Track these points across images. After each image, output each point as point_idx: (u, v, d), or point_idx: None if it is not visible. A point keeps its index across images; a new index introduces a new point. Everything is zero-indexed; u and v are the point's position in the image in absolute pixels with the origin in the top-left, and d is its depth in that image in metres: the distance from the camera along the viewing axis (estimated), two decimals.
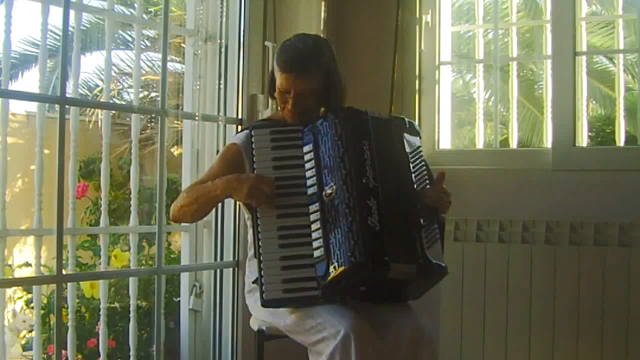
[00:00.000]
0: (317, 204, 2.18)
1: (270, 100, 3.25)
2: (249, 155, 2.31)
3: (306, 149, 2.26)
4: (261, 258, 2.15)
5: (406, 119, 2.49)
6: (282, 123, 2.42)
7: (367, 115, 2.33)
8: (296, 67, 2.34)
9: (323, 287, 2.11)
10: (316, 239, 2.15)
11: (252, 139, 2.28)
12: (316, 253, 2.14)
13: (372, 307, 2.25)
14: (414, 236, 2.23)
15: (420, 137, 2.47)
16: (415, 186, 2.33)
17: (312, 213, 2.18)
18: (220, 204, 3.21)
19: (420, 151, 2.42)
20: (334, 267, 2.09)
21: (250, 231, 2.43)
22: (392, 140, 2.36)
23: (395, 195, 2.25)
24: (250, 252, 2.45)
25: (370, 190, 2.17)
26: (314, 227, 2.16)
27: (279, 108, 2.46)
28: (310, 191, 2.20)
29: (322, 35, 3.67)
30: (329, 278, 2.10)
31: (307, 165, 2.24)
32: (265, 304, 2.14)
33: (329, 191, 2.17)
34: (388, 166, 2.26)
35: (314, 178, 2.21)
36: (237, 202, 3.16)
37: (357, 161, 2.20)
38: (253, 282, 2.35)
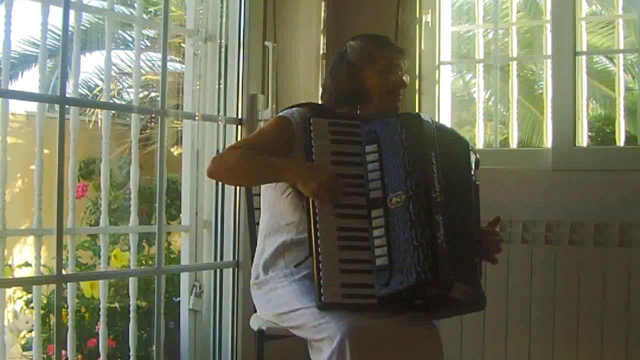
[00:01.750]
0: (380, 209, 2.06)
1: (270, 100, 3.25)
2: (300, 138, 2.20)
3: (369, 148, 2.13)
4: (320, 258, 2.03)
5: (469, 142, 2.37)
6: (333, 111, 2.32)
7: (433, 124, 2.22)
8: (395, 44, 2.41)
9: (383, 296, 2.01)
10: (379, 247, 2.04)
11: (311, 127, 2.14)
12: (378, 261, 2.03)
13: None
14: (472, 260, 2.17)
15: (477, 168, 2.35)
16: (474, 211, 2.24)
17: (375, 218, 2.06)
18: (220, 204, 3.22)
19: (478, 182, 2.30)
20: (399, 279, 1.99)
21: (266, 216, 2.36)
22: (457, 155, 2.25)
23: (458, 215, 2.13)
24: (262, 239, 2.37)
25: (438, 205, 2.06)
26: (376, 233, 2.05)
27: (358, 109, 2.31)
28: (373, 195, 2.08)
29: (322, 35, 3.68)
30: (393, 290, 2.00)
31: (370, 167, 2.11)
32: (323, 307, 2.03)
33: (397, 199, 2.04)
34: (452, 182, 2.15)
35: (378, 182, 2.09)
36: (238, 202, 3.17)
37: (426, 172, 2.08)
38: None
